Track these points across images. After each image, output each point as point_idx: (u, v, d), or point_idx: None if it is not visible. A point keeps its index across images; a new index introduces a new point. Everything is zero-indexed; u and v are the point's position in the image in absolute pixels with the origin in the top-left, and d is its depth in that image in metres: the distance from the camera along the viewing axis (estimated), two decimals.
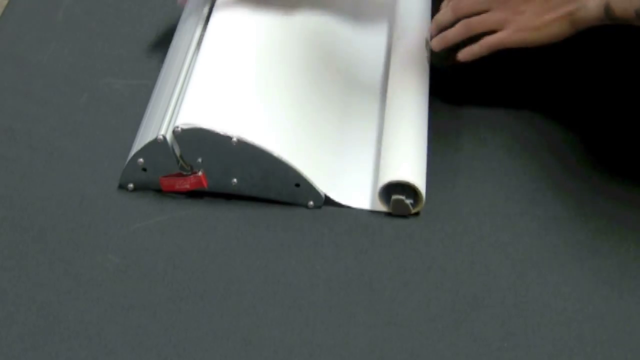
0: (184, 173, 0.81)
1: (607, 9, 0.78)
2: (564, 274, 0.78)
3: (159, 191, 0.83)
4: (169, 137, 0.79)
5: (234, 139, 0.78)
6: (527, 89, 0.94)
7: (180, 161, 0.81)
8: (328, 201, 0.83)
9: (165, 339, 0.73)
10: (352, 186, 0.85)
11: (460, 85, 0.94)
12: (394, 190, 0.81)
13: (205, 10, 0.93)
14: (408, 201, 0.81)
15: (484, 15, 0.86)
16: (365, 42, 0.95)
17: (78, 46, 1.00)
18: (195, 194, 0.83)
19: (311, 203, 0.83)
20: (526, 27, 0.84)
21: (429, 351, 0.72)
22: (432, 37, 0.91)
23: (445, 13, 0.90)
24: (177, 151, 0.80)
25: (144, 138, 0.82)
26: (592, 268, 0.78)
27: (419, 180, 0.80)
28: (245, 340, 0.73)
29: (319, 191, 0.82)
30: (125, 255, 0.79)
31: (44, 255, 0.79)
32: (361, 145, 0.88)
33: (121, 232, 0.81)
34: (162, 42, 0.96)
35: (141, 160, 0.81)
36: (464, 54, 0.88)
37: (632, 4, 0.77)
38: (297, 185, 0.81)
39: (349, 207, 0.83)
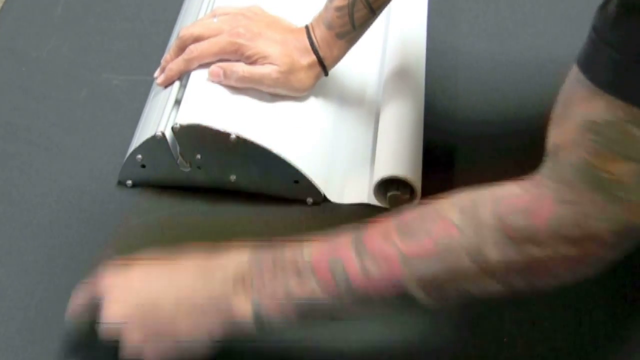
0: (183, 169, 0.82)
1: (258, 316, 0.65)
2: None
3: (158, 187, 0.83)
4: (167, 133, 0.79)
5: (233, 136, 0.78)
6: (527, 87, 0.95)
7: (180, 158, 0.81)
8: (327, 197, 0.83)
9: None
10: (350, 183, 0.85)
11: (457, 83, 0.94)
12: (390, 186, 0.81)
13: (206, 8, 0.93)
14: (405, 197, 0.81)
15: None
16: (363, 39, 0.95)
17: (77, 41, 1.00)
18: (194, 191, 0.83)
19: (310, 200, 0.83)
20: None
21: (429, 346, 0.73)
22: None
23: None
24: (176, 148, 0.80)
25: (143, 134, 0.82)
26: None
27: (413, 175, 0.80)
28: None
29: (318, 188, 0.82)
30: (123, 251, 0.79)
31: (42, 251, 0.79)
32: (358, 142, 0.88)
33: (120, 228, 0.81)
34: (162, 37, 0.96)
35: (140, 156, 0.81)
36: None
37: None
38: (296, 182, 0.81)
39: (347, 204, 0.83)
